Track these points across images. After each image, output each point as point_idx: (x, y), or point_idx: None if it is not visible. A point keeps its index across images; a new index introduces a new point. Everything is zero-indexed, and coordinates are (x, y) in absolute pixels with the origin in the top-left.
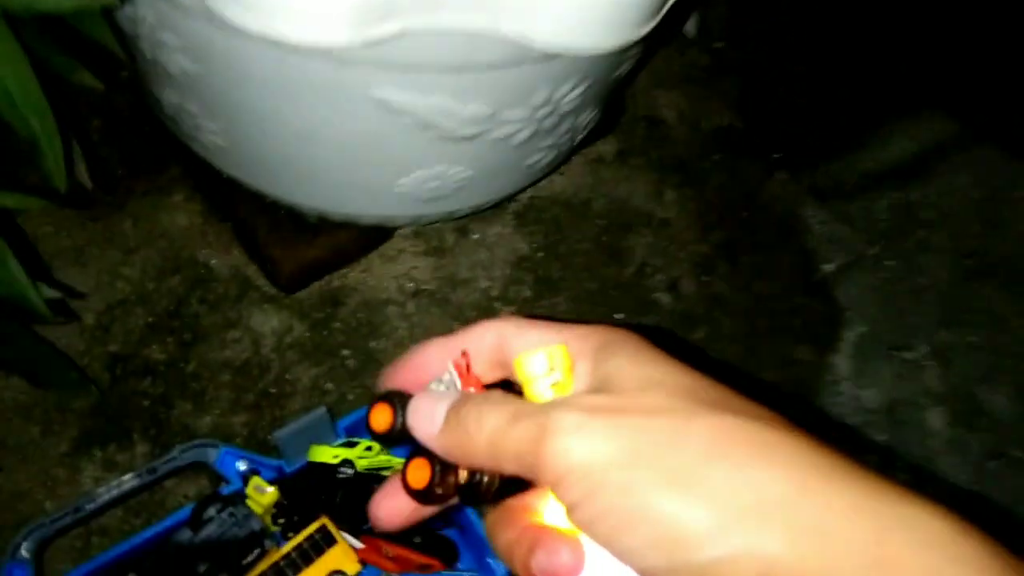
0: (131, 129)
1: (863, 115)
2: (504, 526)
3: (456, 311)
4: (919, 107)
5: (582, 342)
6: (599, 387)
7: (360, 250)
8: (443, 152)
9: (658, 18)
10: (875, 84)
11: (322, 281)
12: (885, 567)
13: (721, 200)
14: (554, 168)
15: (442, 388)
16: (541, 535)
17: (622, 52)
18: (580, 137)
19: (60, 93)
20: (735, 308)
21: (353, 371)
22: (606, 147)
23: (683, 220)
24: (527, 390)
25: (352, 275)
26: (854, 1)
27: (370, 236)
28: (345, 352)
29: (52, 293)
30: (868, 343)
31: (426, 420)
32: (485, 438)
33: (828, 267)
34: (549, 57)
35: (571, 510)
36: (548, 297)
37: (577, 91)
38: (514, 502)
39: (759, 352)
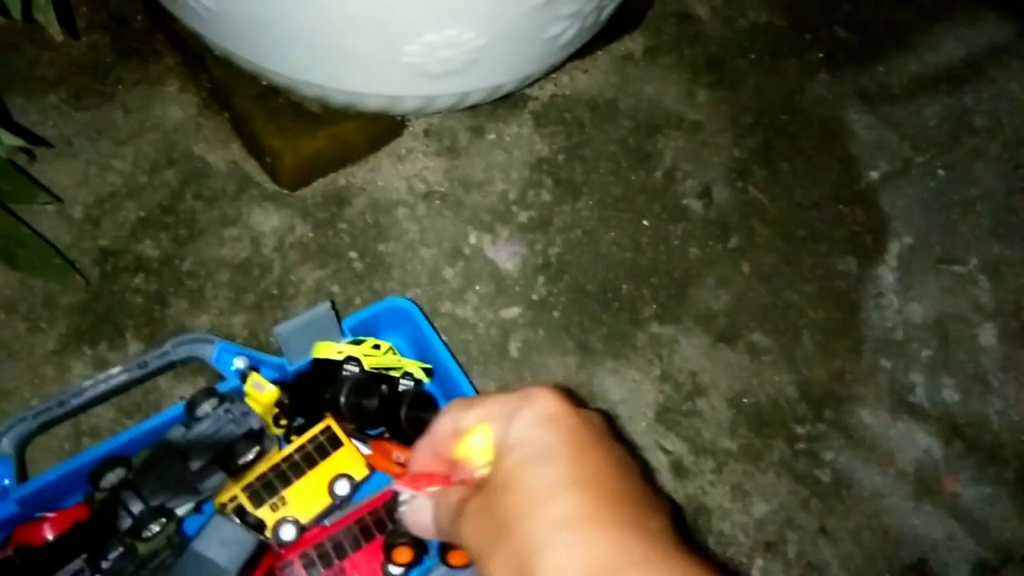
0: (122, 15)
1: (911, 14)
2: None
3: (470, 214)
4: (972, 7)
5: (502, 409)
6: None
7: (367, 147)
8: (454, 9)
9: None
10: None
11: (326, 179)
12: None
13: (758, 102)
14: (576, 51)
15: (405, 498)
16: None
17: None
18: (606, 13)
19: None
20: (772, 216)
21: (360, 273)
22: (634, 44)
23: (716, 123)
24: (467, 463)
25: (359, 174)
26: None
27: (377, 131)
28: (352, 254)
29: (14, 140)
30: (915, 255)
31: (421, 527)
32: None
33: (873, 175)
34: None
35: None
36: (570, 202)
37: None
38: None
39: (798, 263)
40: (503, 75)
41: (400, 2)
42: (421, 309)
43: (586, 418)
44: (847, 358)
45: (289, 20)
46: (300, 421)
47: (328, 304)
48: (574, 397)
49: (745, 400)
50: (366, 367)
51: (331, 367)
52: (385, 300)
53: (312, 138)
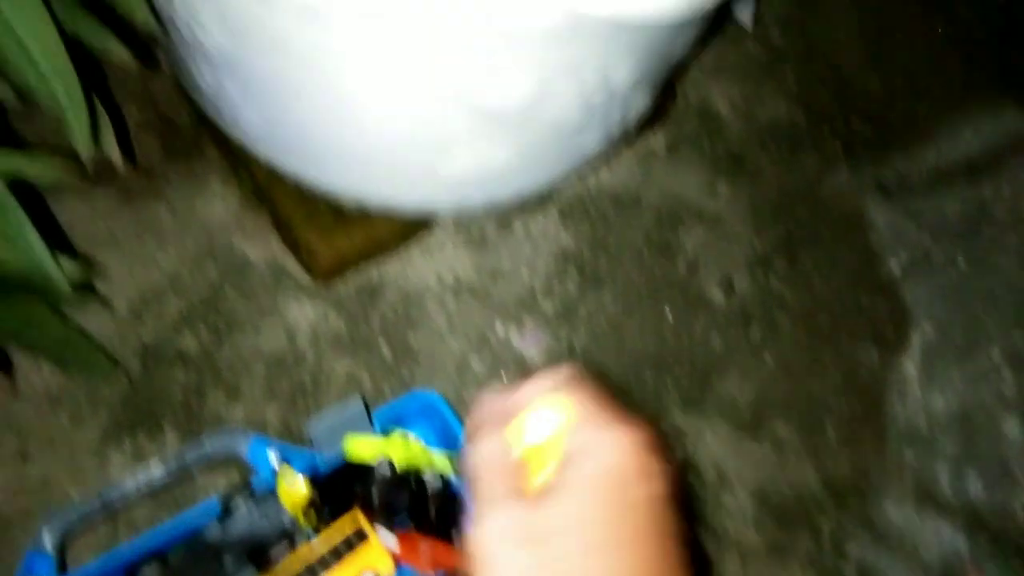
0: (169, 116)
1: (928, 106)
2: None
3: (497, 305)
4: (990, 99)
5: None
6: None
7: (399, 241)
8: (487, 130)
9: None
10: (942, 75)
11: (359, 272)
12: None
13: (778, 194)
14: (602, 159)
15: None
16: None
17: (677, 29)
18: (630, 124)
19: (94, 70)
20: (794, 307)
21: (390, 365)
22: (656, 140)
23: (738, 215)
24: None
25: (390, 267)
26: None
27: (409, 227)
28: (382, 345)
29: (74, 268)
30: (937, 346)
31: None
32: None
33: (894, 265)
34: (605, 27)
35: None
36: (594, 292)
37: (629, 69)
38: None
39: (820, 354)
40: (532, 183)
41: (435, 127)
42: (447, 400)
43: (658, 495)
44: (871, 450)
45: (328, 140)
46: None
47: (359, 399)
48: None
49: (769, 493)
50: (397, 467)
51: (363, 469)
52: (413, 393)
53: (348, 236)
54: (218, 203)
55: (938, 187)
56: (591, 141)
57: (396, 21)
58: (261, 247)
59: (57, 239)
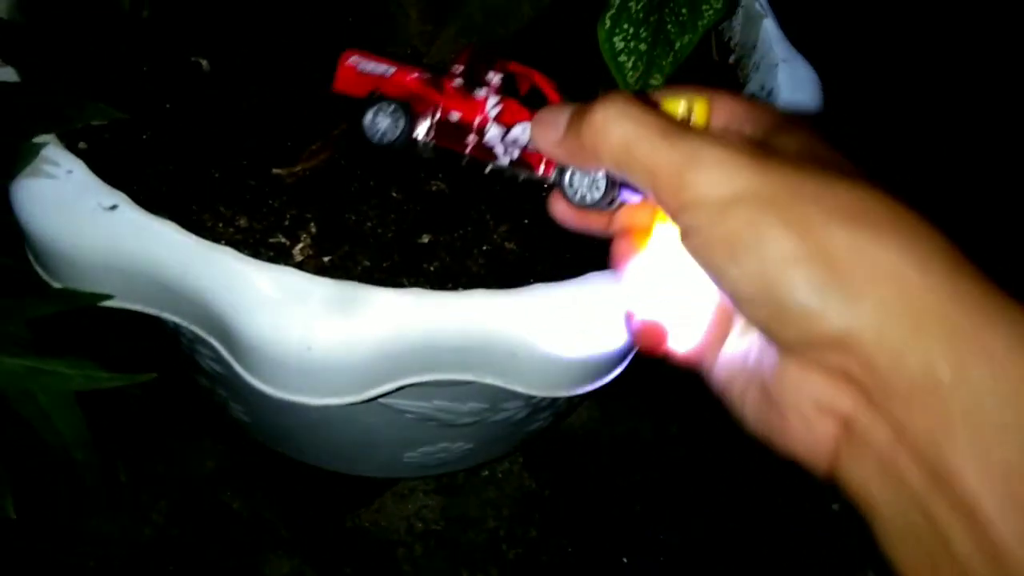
0: (171, 386)
1: None
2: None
3: (464, 554)
4: None
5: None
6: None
7: (374, 494)
8: (445, 434)
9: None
10: None
11: (336, 523)
12: None
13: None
14: (558, 422)
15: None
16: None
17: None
18: (576, 401)
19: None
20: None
21: None
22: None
23: (691, 450)
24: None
25: (365, 515)
26: None
27: (384, 482)
28: None
29: None
30: None
31: (550, 127)
32: (617, 143)
33: (836, 507)
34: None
35: (690, 231)
36: (555, 537)
37: None
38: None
39: None
40: (490, 457)
41: (401, 434)
42: None
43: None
44: None
45: (312, 440)
46: None
47: None
48: None
49: None
50: None
51: None
52: None
53: (328, 492)
54: (210, 458)
55: None
56: (542, 423)
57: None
58: (246, 501)
59: None
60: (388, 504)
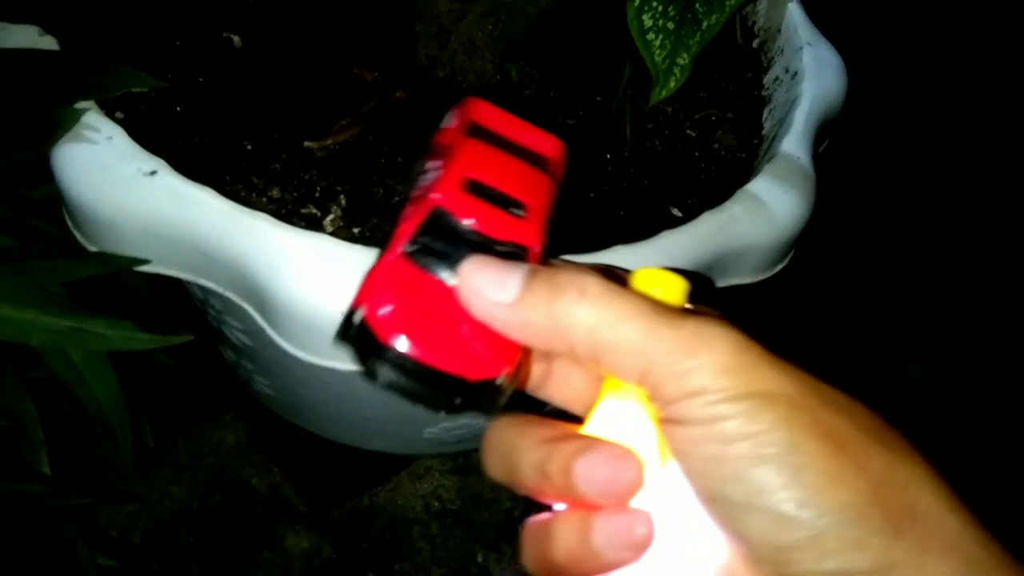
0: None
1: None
2: (524, 437)
3: (479, 533)
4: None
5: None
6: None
7: (391, 470)
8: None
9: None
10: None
11: (353, 500)
12: None
13: None
14: None
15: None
16: (593, 442)
17: None
18: None
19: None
20: None
21: None
22: None
23: None
24: None
25: (382, 494)
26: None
27: (401, 459)
28: (370, 575)
29: (109, 562)
30: None
31: (494, 285)
32: (600, 323)
33: None
34: None
35: (688, 422)
36: None
37: None
38: (528, 418)
39: None
40: None
41: (419, 411)
42: None
43: None
44: None
45: (335, 415)
46: None
47: None
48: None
49: None
50: None
51: None
52: None
53: (345, 469)
54: (229, 433)
55: None
56: None
57: None
58: (265, 477)
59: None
60: (405, 483)
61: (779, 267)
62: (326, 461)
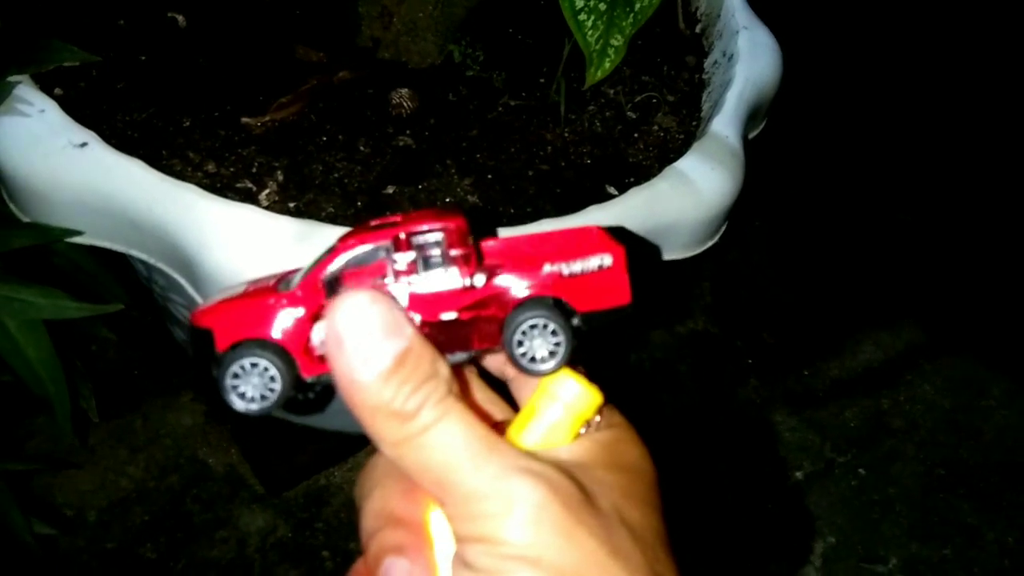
0: (148, 336)
1: (834, 322)
2: (383, 490)
3: None
4: (889, 316)
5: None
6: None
7: (348, 451)
8: None
9: None
10: (846, 295)
11: (310, 480)
12: None
13: (695, 405)
14: None
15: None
16: (406, 548)
17: None
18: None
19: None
20: (701, 519)
21: (331, 573)
22: None
23: (655, 423)
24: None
25: (338, 474)
26: (820, 211)
27: (359, 439)
28: (325, 553)
29: (47, 530)
30: (838, 555)
31: (362, 357)
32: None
33: (798, 475)
34: None
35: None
36: None
37: None
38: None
39: (729, 564)
40: None
41: None
42: None
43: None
44: None
45: None
46: None
47: None
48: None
49: None
50: None
51: None
52: None
53: (302, 451)
54: (187, 415)
55: (840, 398)
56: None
57: None
58: (222, 457)
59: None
60: (362, 462)
61: (710, 243)
62: (283, 442)
